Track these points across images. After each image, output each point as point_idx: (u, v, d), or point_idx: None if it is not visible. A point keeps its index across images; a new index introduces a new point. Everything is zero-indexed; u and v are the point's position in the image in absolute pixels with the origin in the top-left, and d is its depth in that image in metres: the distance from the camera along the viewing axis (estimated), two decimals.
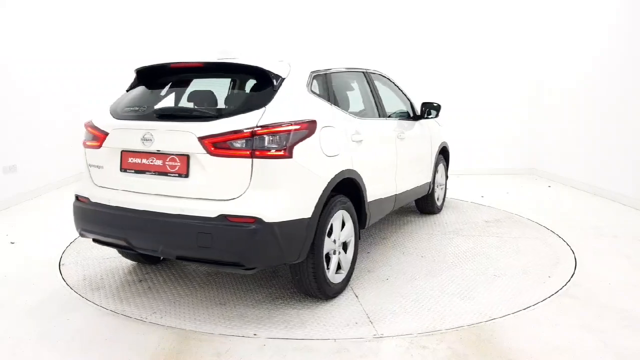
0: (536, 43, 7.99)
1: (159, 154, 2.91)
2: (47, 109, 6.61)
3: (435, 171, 5.24)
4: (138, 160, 2.98)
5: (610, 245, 4.47)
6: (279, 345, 2.71)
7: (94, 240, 3.24)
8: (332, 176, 3.09)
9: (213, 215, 2.72)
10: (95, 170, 3.17)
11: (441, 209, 5.63)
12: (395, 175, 4.14)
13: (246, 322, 2.97)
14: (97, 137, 3.15)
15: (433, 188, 5.20)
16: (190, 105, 3.40)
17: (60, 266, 3.91)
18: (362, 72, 4.15)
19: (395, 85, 4.68)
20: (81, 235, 3.25)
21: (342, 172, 3.20)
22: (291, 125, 2.82)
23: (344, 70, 3.86)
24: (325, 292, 3.17)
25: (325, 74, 3.47)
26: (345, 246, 3.40)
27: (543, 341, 2.74)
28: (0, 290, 3.47)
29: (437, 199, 5.46)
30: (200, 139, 2.75)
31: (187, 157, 2.82)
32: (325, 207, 3.05)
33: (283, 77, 3.04)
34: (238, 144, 2.71)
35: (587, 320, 2.99)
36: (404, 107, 4.72)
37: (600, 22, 6.55)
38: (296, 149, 2.81)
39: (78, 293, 3.40)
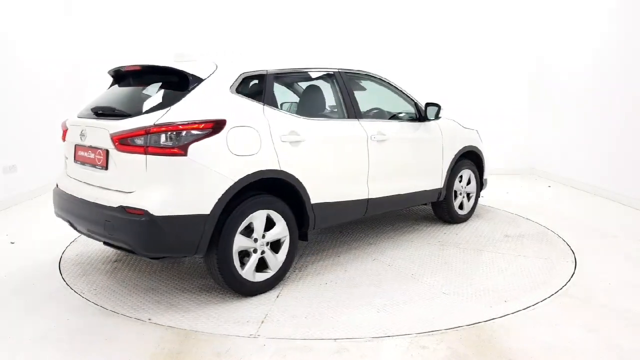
0: (536, 43, 8.00)
1: (92, 148, 3.28)
2: (47, 109, 6.61)
3: (454, 177, 4.92)
4: (82, 153, 3.39)
5: (610, 245, 4.47)
6: (279, 345, 2.71)
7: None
8: (242, 176, 3.12)
9: (115, 205, 2.98)
10: (66, 160, 3.67)
11: (466, 219, 5.16)
12: (367, 178, 4.01)
13: (141, 307, 3.18)
14: (64, 132, 3.65)
15: (447, 195, 4.87)
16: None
17: (60, 266, 3.92)
18: (331, 72, 4.04)
19: (393, 86, 4.55)
20: (56, 215, 3.65)
21: (261, 172, 3.23)
22: (187, 124, 2.97)
23: (297, 70, 3.86)
24: (236, 288, 3.24)
25: (264, 74, 3.51)
26: (278, 246, 3.43)
27: (543, 341, 2.74)
28: (0, 290, 3.48)
29: (461, 207, 5.08)
30: (111, 135, 3.04)
31: (107, 151, 3.14)
32: (238, 205, 3.15)
33: (202, 78, 3.23)
34: (137, 141, 2.95)
35: (587, 320, 3.00)
36: (402, 109, 4.61)
37: (599, 22, 6.55)
38: (193, 147, 2.95)
39: (78, 293, 3.40)
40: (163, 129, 2.93)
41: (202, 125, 3.01)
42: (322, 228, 3.95)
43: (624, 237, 4.68)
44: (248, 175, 3.16)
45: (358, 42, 7.77)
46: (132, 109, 3.21)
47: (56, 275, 3.73)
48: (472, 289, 3.45)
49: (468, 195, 5.18)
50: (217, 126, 3.06)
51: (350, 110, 4.02)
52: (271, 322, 2.98)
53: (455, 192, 5.01)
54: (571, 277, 3.68)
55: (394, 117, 4.55)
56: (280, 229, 3.41)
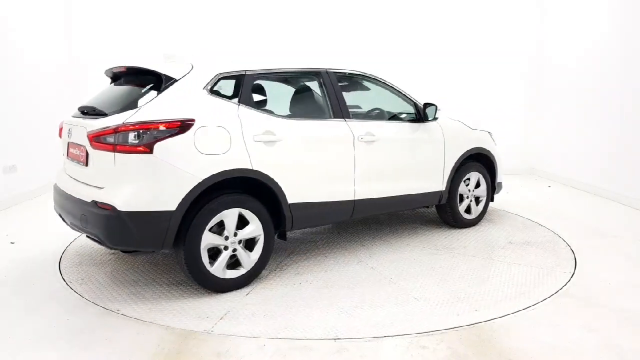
0: (536, 43, 8.00)
1: (77, 146, 3.43)
2: (47, 109, 6.61)
3: (459, 180, 4.74)
4: (72, 150, 3.55)
5: (610, 245, 4.47)
6: (279, 345, 2.71)
7: None
8: (209, 174, 3.19)
9: (89, 200, 3.15)
10: (63, 157, 3.80)
11: (475, 223, 4.98)
12: (354, 179, 3.96)
13: (115, 299, 3.30)
14: (60, 130, 3.82)
15: (450, 198, 4.71)
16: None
17: (60, 266, 3.92)
18: (318, 72, 4.01)
19: (390, 86, 4.44)
20: (54, 210, 3.76)
21: (230, 170, 3.28)
22: (153, 123, 3.08)
23: (279, 71, 3.87)
24: (204, 284, 3.32)
25: (242, 75, 3.57)
26: (253, 245, 3.48)
27: (543, 341, 2.75)
28: (0, 290, 3.48)
29: (468, 211, 4.90)
30: (87, 133, 3.20)
31: (86, 148, 3.28)
32: (207, 203, 3.22)
33: (176, 78, 3.34)
34: (108, 139, 3.09)
35: (587, 320, 3.00)
36: (400, 109, 4.52)
37: (599, 22, 6.55)
38: (158, 146, 3.06)
39: (78, 293, 3.41)
40: (130, 127, 3.05)
41: (168, 124, 3.11)
42: (303, 228, 3.95)
43: (624, 237, 4.68)
44: (216, 174, 3.22)
45: (357, 43, 7.76)
46: (110, 108, 3.34)
47: (56, 275, 3.73)
48: (446, 296, 3.35)
49: (478, 199, 5.00)
50: (184, 125, 3.15)
51: (337, 110, 3.97)
52: (230, 318, 3.02)
53: (462, 195, 4.86)
54: (571, 277, 3.68)
55: (394, 117, 4.51)
56: (254, 228, 3.44)
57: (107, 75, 3.95)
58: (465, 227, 4.93)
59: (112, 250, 4.18)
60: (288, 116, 3.77)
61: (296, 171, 3.63)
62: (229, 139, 3.31)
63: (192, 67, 3.45)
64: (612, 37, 6.27)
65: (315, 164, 3.75)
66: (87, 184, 3.28)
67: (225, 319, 3.02)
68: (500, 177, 5.20)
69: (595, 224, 5.15)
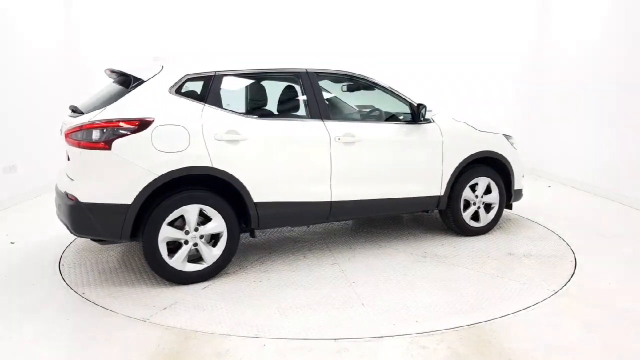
0: (535, 42, 7.99)
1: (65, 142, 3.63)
2: (47, 109, 6.61)
3: (463, 185, 4.45)
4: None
5: (610, 245, 4.47)
6: (279, 345, 2.71)
7: None
8: (167, 171, 3.35)
9: (63, 191, 3.48)
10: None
11: (484, 231, 4.62)
12: (330, 180, 3.88)
13: (85, 283, 3.24)
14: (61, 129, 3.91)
15: (452, 204, 4.44)
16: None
17: (60, 266, 3.92)
18: (296, 73, 3.99)
19: (382, 86, 4.28)
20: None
21: (187, 168, 3.41)
22: (113, 122, 3.30)
23: (253, 71, 3.93)
24: (162, 275, 3.49)
25: (211, 75, 3.66)
26: (216, 240, 3.59)
27: (543, 341, 2.75)
28: (0, 290, 3.48)
29: (476, 218, 4.58)
30: (65, 131, 3.46)
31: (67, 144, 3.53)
32: (166, 198, 3.39)
33: (144, 79, 3.52)
34: (78, 135, 3.33)
35: (587, 320, 3.00)
36: (392, 110, 4.41)
37: (599, 22, 6.55)
38: (117, 143, 3.27)
39: (78, 293, 3.41)
40: (94, 125, 3.29)
41: (127, 122, 3.30)
42: (272, 227, 4.02)
43: (624, 237, 4.68)
44: (173, 171, 3.37)
45: (356, 43, 7.75)
46: (88, 108, 3.55)
47: (56, 275, 3.73)
48: (395, 304, 3.21)
49: (489, 206, 4.64)
50: (142, 124, 3.32)
51: (315, 110, 3.92)
52: (172, 310, 3.13)
53: (468, 201, 4.54)
54: (571, 277, 3.68)
55: (391, 118, 4.37)
56: (216, 224, 3.54)
57: (107, 76, 4.06)
58: (473, 235, 4.59)
59: (117, 252, 4.19)
60: (256, 116, 3.78)
61: (262, 170, 3.66)
62: (187, 138, 3.42)
63: (162, 68, 3.60)
64: (611, 37, 6.27)
65: (284, 163, 3.75)
66: (67, 177, 3.52)
67: (168, 309, 3.13)
68: (519, 184, 4.82)
69: (595, 224, 5.14)
